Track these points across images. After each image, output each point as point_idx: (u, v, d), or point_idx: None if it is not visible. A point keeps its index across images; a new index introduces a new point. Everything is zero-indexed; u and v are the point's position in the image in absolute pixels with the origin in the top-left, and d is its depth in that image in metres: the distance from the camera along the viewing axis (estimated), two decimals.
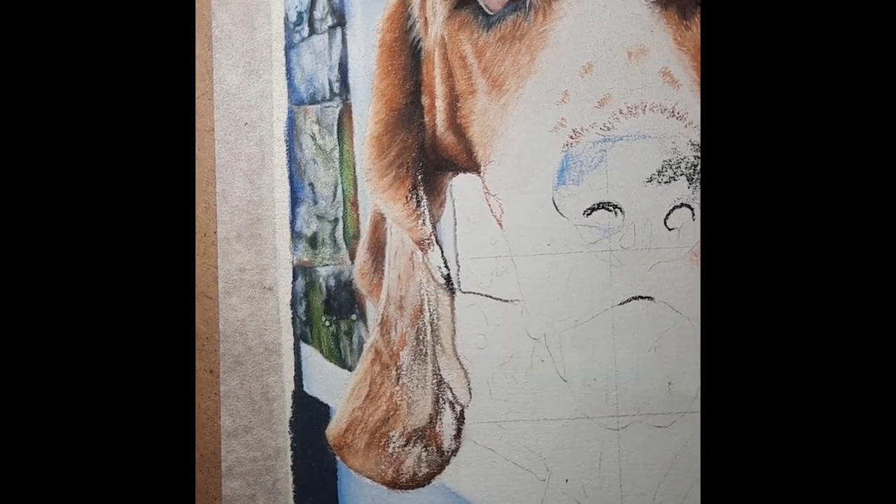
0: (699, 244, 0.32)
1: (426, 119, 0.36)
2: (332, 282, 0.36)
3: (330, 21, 0.37)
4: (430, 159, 0.36)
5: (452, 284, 0.36)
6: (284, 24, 0.37)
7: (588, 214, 0.35)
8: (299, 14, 0.37)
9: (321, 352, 0.36)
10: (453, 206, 0.36)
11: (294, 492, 0.36)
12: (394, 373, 0.36)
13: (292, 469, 0.36)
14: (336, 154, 0.37)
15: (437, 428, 0.35)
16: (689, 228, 0.35)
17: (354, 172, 0.36)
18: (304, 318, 0.36)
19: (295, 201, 0.37)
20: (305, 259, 0.36)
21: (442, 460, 0.35)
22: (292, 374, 0.36)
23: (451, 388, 0.36)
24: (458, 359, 0.35)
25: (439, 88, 0.36)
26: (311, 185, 0.37)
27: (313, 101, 0.37)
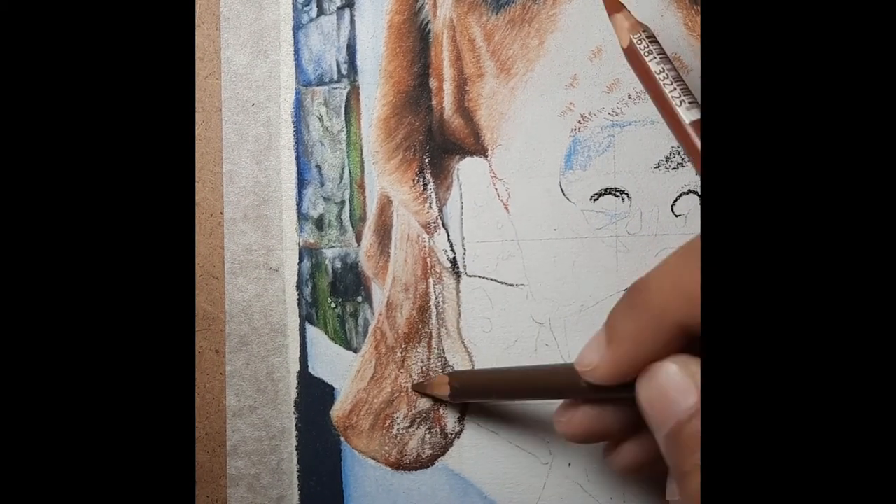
0: None
1: (434, 102, 0.36)
2: (338, 264, 0.36)
3: (338, 2, 0.37)
4: (438, 142, 0.36)
5: (458, 268, 0.36)
6: (293, 4, 0.37)
7: (595, 200, 0.35)
8: None
9: (327, 333, 0.36)
10: (460, 189, 0.36)
11: (298, 471, 0.36)
12: (399, 355, 0.36)
13: (297, 449, 0.36)
14: (343, 136, 0.37)
15: (440, 410, 0.36)
16: (696, 215, 0.35)
17: (361, 155, 0.36)
18: (309, 300, 0.36)
19: (302, 183, 0.37)
20: (312, 241, 0.37)
21: (445, 442, 0.36)
22: (297, 355, 0.36)
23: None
24: (463, 342, 0.36)
25: (447, 71, 0.36)
26: (318, 166, 0.37)
27: (321, 83, 0.37)
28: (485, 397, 0.34)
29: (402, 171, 0.36)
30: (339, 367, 0.36)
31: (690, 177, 0.35)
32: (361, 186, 0.37)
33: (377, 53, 0.36)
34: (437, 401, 0.35)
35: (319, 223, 0.37)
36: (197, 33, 0.37)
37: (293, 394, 0.36)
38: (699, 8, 0.35)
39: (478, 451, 0.35)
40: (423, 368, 0.36)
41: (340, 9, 0.37)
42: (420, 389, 0.35)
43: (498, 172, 0.36)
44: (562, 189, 0.35)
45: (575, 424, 0.29)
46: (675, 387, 0.25)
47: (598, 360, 0.26)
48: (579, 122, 0.35)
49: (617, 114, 0.35)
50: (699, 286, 0.23)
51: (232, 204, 0.37)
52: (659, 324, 0.25)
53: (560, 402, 0.30)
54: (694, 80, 0.35)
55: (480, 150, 0.36)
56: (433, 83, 0.36)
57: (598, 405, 0.29)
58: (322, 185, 0.37)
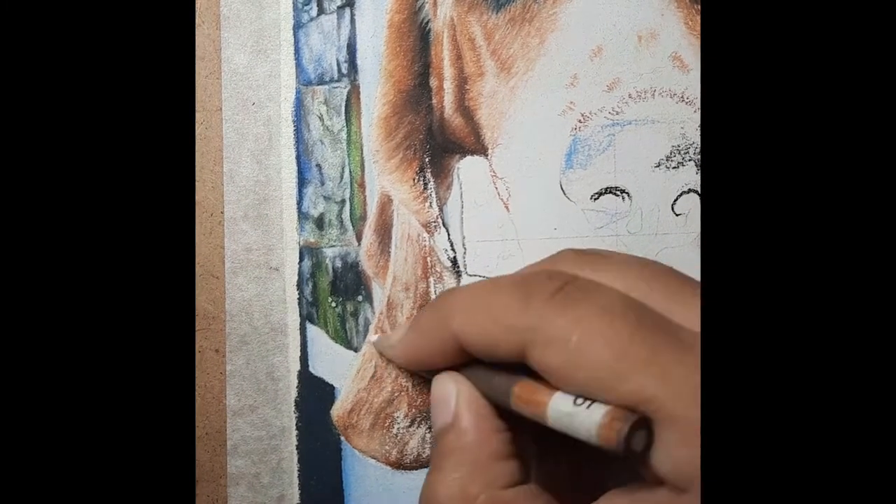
0: None
1: (434, 101, 0.36)
2: (338, 263, 0.36)
3: (339, 1, 0.37)
4: (438, 141, 0.36)
5: (459, 267, 0.36)
6: (293, 3, 0.37)
7: (595, 199, 0.35)
8: None
9: (327, 332, 0.36)
10: (460, 188, 0.36)
11: (298, 471, 0.36)
12: None
13: (297, 448, 0.36)
14: (343, 135, 0.37)
15: None
16: (697, 214, 0.35)
17: (362, 154, 0.36)
18: (310, 299, 0.36)
19: (302, 182, 0.37)
20: (312, 240, 0.37)
21: None
22: (298, 354, 0.36)
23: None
24: None
25: (448, 70, 0.36)
26: (318, 166, 0.37)
27: (321, 82, 0.37)
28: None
29: (403, 170, 0.36)
30: (339, 366, 0.36)
31: (691, 176, 0.35)
32: (362, 185, 0.36)
33: (377, 52, 0.36)
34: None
35: (320, 222, 0.37)
36: (197, 32, 0.37)
37: (293, 393, 0.36)
38: (699, 7, 0.35)
39: None
40: None
41: (341, 8, 0.37)
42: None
43: (498, 171, 0.36)
44: (562, 188, 0.35)
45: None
46: (443, 401, 0.27)
47: (396, 340, 0.30)
48: (580, 121, 0.35)
49: (617, 113, 0.35)
50: (478, 310, 0.26)
51: (232, 203, 0.37)
52: (443, 326, 0.27)
53: None
54: (694, 79, 0.35)
55: (481, 150, 0.36)
56: (433, 82, 0.36)
57: None
58: (322, 184, 0.37)
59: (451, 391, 0.27)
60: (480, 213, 0.36)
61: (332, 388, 0.36)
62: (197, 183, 0.37)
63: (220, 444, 0.36)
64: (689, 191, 0.35)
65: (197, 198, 0.37)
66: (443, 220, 0.36)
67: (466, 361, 0.28)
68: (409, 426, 0.36)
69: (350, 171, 0.37)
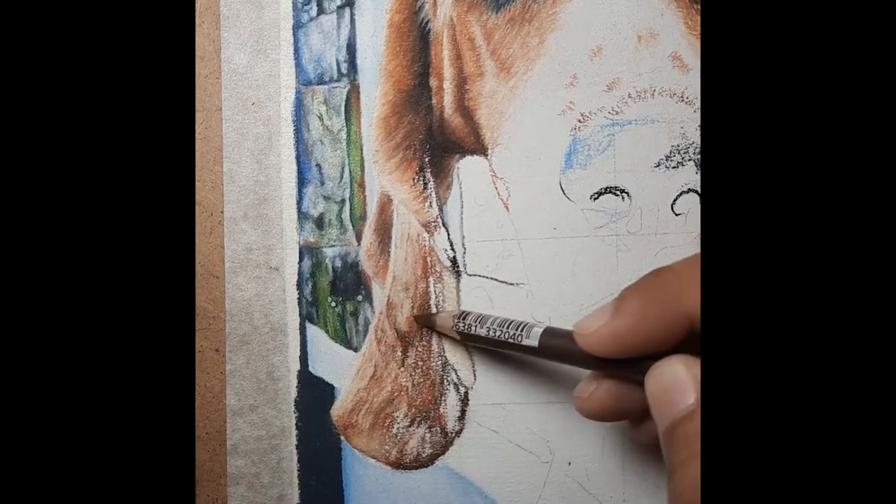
0: None
1: (434, 101, 0.36)
2: (338, 263, 0.36)
3: (338, 1, 0.37)
4: (438, 141, 0.36)
5: (458, 267, 0.36)
6: (293, 3, 0.37)
7: (595, 199, 0.35)
8: None
9: (327, 332, 0.36)
10: (460, 188, 0.36)
11: (298, 470, 0.36)
12: (399, 354, 0.36)
13: (297, 448, 0.36)
14: (343, 135, 0.37)
15: (441, 409, 0.36)
16: (697, 214, 0.35)
17: (362, 154, 0.36)
18: (310, 299, 0.36)
19: (302, 182, 0.37)
20: (312, 240, 0.37)
21: (446, 441, 0.36)
22: (298, 353, 0.36)
23: (455, 371, 0.36)
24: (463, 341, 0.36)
25: (447, 70, 0.36)
26: (318, 165, 0.37)
27: (321, 82, 0.37)
28: (488, 345, 0.34)
29: (402, 170, 0.36)
30: (339, 366, 0.36)
31: (690, 175, 0.35)
32: (361, 185, 0.37)
33: (377, 52, 0.36)
34: (441, 335, 0.35)
35: (320, 222, 0.37)
36: (197, 32, 0.37)
37: (293, 393, 0.36)
38: (699, 7, 0.35)
39: (478, 449, 0.35)
40: (424, 367, 0.36)
41: (340, 7, 0.37)
42: (425, 323, 0.35)
43: (498, 171, 0.36)
44: (562, 188, 0.35)
45: (594, 400, 0.29)
46: (678, 387, 0.25)
47: (598, 327, 0.27)
48: (579, 120, 0.35)
49: (617, 113, 0.35)
50: None
51: (232, 203, 0.37)
52: (670, 307, 0.25)
53: (581, 377, 0.30)
54: (694, 79, 0.35)
55: (480, 149, 0.36)
56: (433, 82, 0.36)
57: (621, 383, 0.29)
58: (322, 184, 0.37)
59: (684, 374, 0.25)
60: (480, 212, 0.36)
61: (331, 387, 0.36)
62: (197, 183, 0.37)
63: (220, 443, 0.36)
64: (689, 190, 0.35)
65: (197, 197, 0.37)
66: (442, 219, 0.36)
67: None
68: (409, 426, 0.36)
69: (350, 171, 0.37)
